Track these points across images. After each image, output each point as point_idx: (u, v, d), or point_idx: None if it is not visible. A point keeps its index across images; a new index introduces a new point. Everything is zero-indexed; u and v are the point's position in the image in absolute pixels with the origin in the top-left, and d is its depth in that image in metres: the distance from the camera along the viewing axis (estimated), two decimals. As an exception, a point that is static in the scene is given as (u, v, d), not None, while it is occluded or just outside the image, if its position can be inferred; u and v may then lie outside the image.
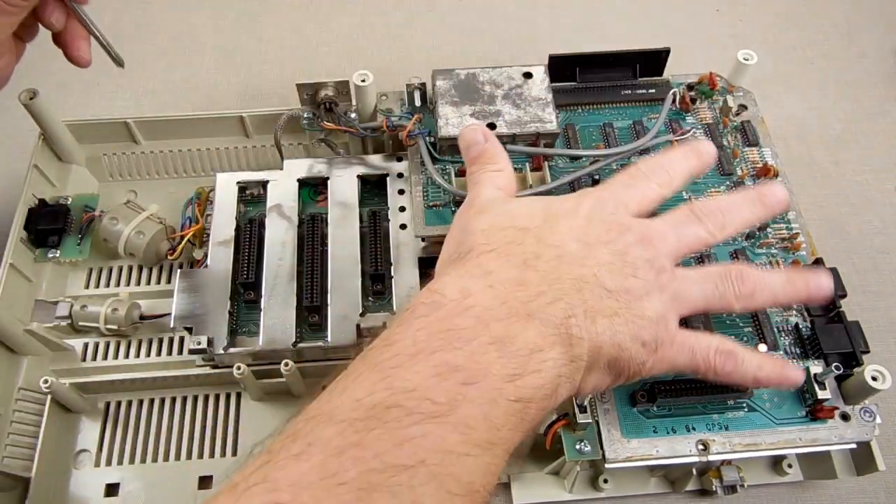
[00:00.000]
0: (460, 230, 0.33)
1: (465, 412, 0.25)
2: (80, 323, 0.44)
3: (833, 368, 0.36)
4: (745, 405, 0.37)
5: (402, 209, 0.46)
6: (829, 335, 0.38)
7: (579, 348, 0.28)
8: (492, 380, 0.26)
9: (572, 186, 0.43)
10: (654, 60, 0.48)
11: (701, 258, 0.41)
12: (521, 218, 0.32)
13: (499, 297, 0.28)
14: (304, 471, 0.22)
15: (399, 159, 0.48)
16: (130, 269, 0.48)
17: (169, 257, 0.46)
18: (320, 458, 0.23)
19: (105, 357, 0.45)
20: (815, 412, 0.36)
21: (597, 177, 0.43)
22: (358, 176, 0.47)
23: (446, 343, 0.26)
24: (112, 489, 0.42)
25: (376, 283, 0.44)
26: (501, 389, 0.26)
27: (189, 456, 0.43)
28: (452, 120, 0.43)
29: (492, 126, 0.43)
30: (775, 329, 0.39)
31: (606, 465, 0.35)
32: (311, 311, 0.43)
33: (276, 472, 0.23)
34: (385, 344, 0.27)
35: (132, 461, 0.43)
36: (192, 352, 0.41)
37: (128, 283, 0.48)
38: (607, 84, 0.48)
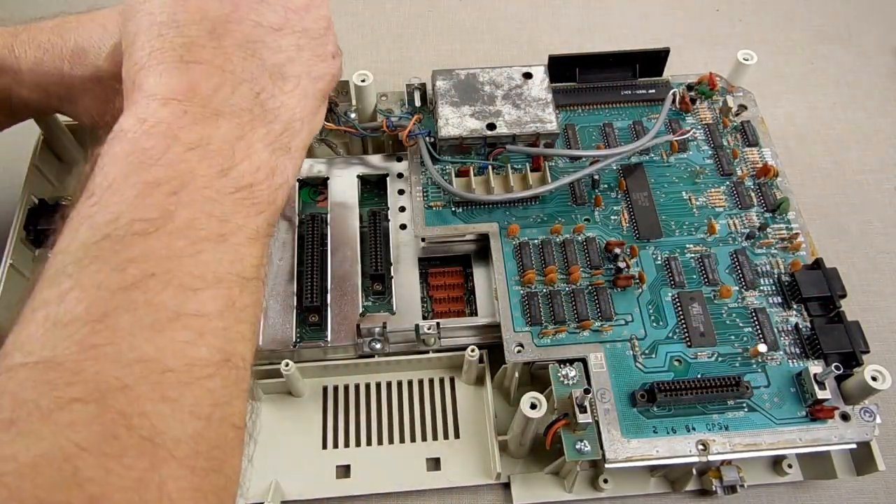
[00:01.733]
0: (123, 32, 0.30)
1: (183, 217, 0.24)
2: (80, 323, 0.44)
3: (833, 368, 0.36)
4: (745, 405, 0.37)
5: (402, 209, 0.46)
6: (829, 335, 0.38)
7: (282, 113, 0.29)
8: (200, 181, 0.25)
9: (572, 187, 0.44)
10: (653, 60, 0.48)
11: (701, 259, 0.41)
12: (142, 15, 0.29)
13: (177, 110, 0.26)
14: (31, 331, 0.22)
15: (399, 159, 0.48)
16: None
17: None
18: (42, 314, 0.22)
19: (105, 357, 0.45)
20: (815, 412, 0.36)
21: (596, 177, 0.43)
22: (358, 176, 0.47)
23: (139, 167, 0.25)
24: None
25: (376, 283, 0.44)
26: (215, 186, 0.25)
27: (189, 456, 0.43)
28: (452, 120, 0.43)
29: (492, 126, 0.43)
30: (775, 329, 0.39)
31: (606, 465, 0.35)
32: (311, 311, 0.43)
33: (6, 347, 0.22)
34: (83, 197, 0.25)
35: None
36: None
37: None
38: (607, 84, 0.48)
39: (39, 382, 0.20)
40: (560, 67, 0.47)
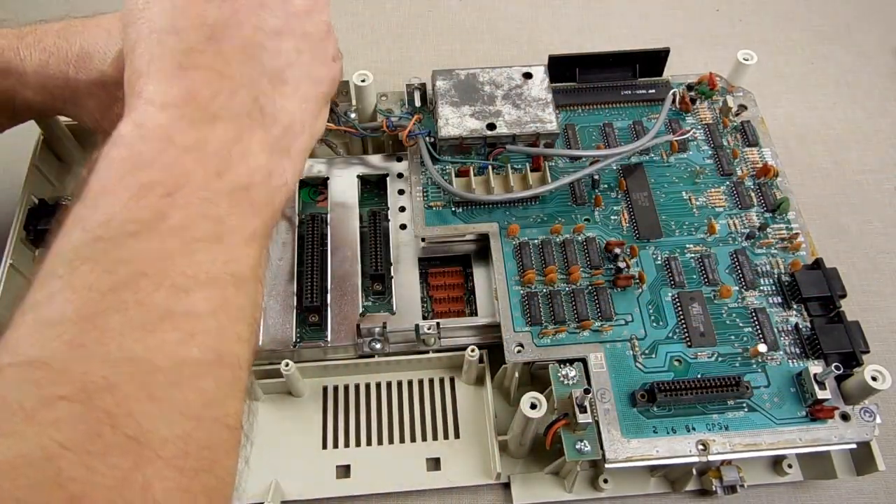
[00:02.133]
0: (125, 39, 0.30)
1: (177, 218, 0.24)
2: (80, 323, 0.44)
3: (833, 368, 0.36)
4: (745, 405, 0.37)
5: (402, 209, 0.46)
6: (829, 335, 0.38)
7: (281, 117, 0.29)
8: (196, 182, 0.25)
9: (572, 187, 0.44)
10: (653, 60, 0.48)
11: (701, 259, 0.41)
12: (142, 22, 0.28)
13: (174, 115, 0.26)
14: (20, 332, 0.22)
15: (399, 159, 0.48)
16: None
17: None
18: (32, 316, 0.22)
19: (105, 357, 0.45)
20: (815, 412, 0.36)
21: (596, 177, 0.43)
22: (358, 176, 0.47)
23: (134, 169, 0.24)
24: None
25: (376, 283, 0.44)
26: (211, 188, 0.25)
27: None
28: (452, 120, 0.43)
29: (492, 126, 0.43)
30: (775, 329, 0.39)
31: (606, 465, 0.35)
32: (311, 311, 0.43)
33: None
34: (78, 200, 0.25)
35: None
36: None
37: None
38: (607, 84, 0.48)
39: (25, 382, 0.20)
40: (560, 67, 0.47)
